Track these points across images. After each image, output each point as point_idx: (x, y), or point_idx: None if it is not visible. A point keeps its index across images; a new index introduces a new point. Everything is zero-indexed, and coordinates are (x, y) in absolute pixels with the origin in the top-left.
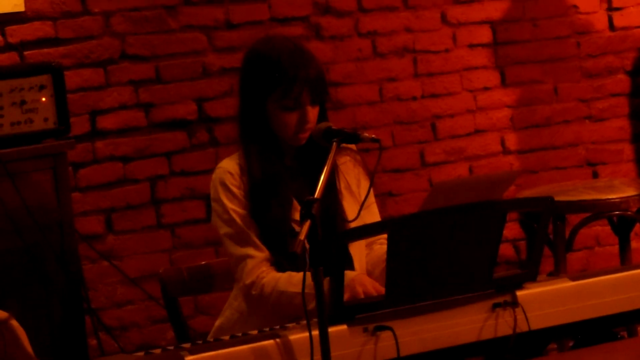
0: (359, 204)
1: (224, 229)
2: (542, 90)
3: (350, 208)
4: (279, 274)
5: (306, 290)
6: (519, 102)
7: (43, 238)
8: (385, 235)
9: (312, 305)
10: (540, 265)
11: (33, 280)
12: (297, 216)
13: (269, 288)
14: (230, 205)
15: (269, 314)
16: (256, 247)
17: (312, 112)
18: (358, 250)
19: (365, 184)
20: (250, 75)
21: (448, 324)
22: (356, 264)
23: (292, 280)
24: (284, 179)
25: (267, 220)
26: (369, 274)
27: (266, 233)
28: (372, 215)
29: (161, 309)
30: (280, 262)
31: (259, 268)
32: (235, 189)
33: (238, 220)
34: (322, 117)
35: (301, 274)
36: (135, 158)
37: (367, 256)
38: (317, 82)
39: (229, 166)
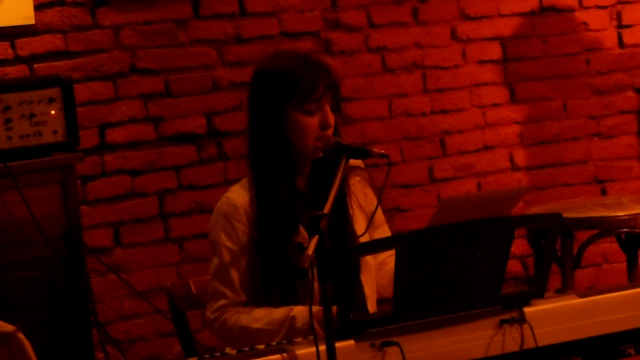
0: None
1: (213, 257)
2: (551, 107)
3: (362, 228)
4: (242, 309)
5: (269, 327)
6: (528, 118)
7: (51, 251)
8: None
9: (275, 341)
10: (548, 282)
11: (41, 293)
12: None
13: (230, 322)
14: (224, 240)
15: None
16: (233, 289)
17: (332, 116)
18: (369, 277)
19: (376, 202)
20: (264, 87)
21: (455, 340)
22: (367, 290)
23: (254, 316)
24: (293, 209)
25: (271, 249)
26: (384, 289)
27: (268, 260)
28: (384, 235)
29: (168, 322)
30: (272, 295)
31: (226, 309)
32: (237, 225)
33: (226, 257)
34: (334, 132)
35: (262, 309)
36: (144, 172)
37: (380, 271)
38: (336, 87)
39: (237, 198)
